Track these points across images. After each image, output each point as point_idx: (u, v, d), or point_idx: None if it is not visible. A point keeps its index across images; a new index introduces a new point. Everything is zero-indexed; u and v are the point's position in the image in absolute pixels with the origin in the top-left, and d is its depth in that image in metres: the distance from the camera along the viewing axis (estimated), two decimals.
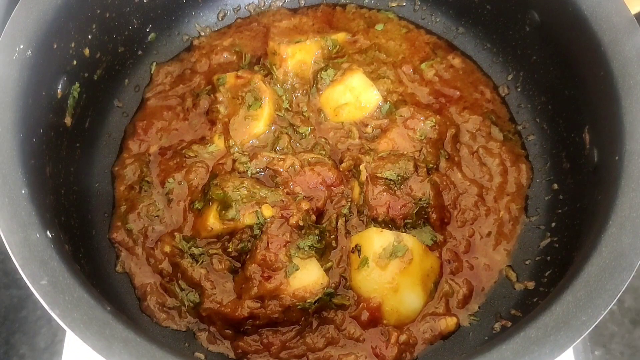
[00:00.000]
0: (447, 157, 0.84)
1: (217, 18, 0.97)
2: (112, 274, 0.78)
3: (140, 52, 0.91)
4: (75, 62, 0.77)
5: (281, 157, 0.80)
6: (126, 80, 0.90)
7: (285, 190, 0.78)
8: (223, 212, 0.75)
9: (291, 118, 0.86)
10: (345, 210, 0.79)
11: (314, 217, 0.77)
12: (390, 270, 0.73)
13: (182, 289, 0.76)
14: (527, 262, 0.79)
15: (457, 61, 0.93)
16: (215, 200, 0.76)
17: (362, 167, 0.79)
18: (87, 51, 0.79)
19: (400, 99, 0.88)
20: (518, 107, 0.90)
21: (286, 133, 0.84)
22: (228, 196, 0.75)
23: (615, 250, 0.60)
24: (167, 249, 0.77)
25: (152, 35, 0.91)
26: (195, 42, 0.94)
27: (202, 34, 0.96)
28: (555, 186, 0.82)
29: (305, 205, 0.76)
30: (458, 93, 0.90)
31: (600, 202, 0.68)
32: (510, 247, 0.80)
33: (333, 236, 0.78)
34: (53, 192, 0.71)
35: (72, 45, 0.76)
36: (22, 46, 0.68)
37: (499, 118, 0.89)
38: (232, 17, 0.97)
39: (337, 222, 0.79)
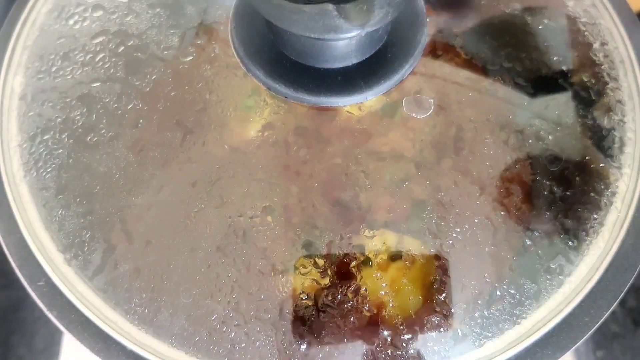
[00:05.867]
0: (448, 156, 0.83)
1: None
2: None
3: None
4: None
5: (280, 156, 0.79)
6: None
7: (284, 190, 0.77)
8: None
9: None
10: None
11: (315, 218, 0.76)
12: (391, 271, 0.73)
13: None
14: None
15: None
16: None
17: (362, 168, 0.78)
18: None
19: (400, 98, 0.87)
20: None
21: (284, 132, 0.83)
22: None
23: (618, 251, 0.60)
24: None
25: None
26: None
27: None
28: None
29: (305, 206, 0.75)
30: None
31: None
32: None
33: (334, 236, 0.77)
34: None
35: None
36: None
37: None
38: None
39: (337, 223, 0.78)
